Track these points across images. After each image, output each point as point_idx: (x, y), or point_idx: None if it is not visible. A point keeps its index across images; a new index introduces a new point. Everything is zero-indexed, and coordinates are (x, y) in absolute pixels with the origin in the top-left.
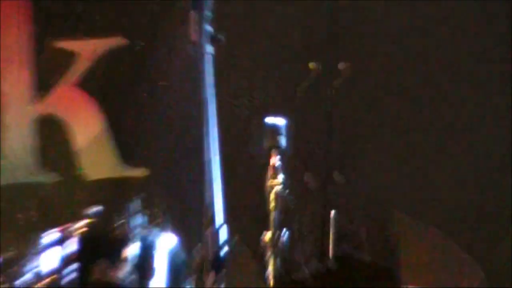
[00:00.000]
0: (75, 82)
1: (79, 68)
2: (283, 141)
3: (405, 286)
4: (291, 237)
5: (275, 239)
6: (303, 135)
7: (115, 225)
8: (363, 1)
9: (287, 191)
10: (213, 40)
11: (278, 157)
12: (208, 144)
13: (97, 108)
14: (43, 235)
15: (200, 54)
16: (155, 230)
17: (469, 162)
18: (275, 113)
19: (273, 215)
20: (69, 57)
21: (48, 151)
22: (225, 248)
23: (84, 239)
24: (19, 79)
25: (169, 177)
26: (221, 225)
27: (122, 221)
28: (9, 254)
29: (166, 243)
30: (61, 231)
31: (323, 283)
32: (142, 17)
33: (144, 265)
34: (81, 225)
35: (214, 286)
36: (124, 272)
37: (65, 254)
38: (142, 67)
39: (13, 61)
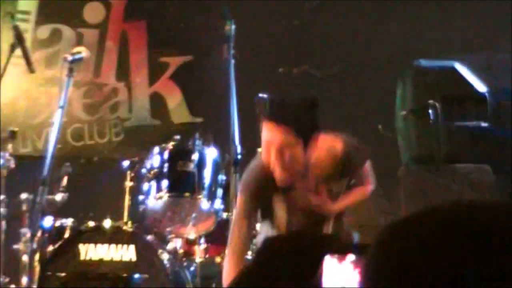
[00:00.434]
0: (168, 76)
1: (171, 71)
2: None
3: None
4: None
5: None
6: None
7: (188, 144)
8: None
9: None
10: (234, 58)
11: None
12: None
13: (179, 89)
14: (154, 148)
15: (229, 65)
16: (207, 149)
17: None
18: None
19: None
20: (166, 65)
21: (155, 111)
22: None
23: (174, 151)
24: (142, 75)
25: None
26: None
27: (190, 142)
28: (134, 159)
29: (212, 155)
30: (160, 147)
31: None
32: (199, 37)
33: (200, 162)
34: (171, 144)
35: None
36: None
37: (163, 158)
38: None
39: (141, 67)
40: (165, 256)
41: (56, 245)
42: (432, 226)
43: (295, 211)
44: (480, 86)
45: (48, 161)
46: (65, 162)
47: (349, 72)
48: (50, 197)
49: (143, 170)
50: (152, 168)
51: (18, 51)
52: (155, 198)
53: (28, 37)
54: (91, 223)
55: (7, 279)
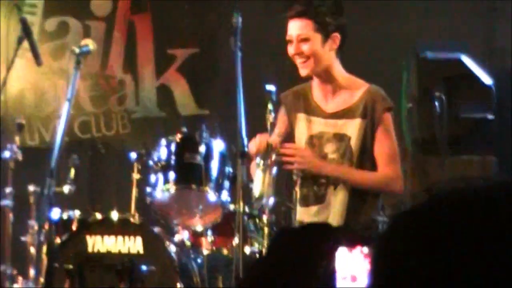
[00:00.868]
0: (175, 68)
1: (178, 63)
2: None
3: None
4: None
5: None
6: None
7: (195, 136)
8: None
9: None
10: (241, 50)
11: None
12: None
13: (186, 81)
14: (161, 140)
15: (236, 58)
16: (214, 141)
17: None
18: None
19: None
20: (173, 57)
21: (162, 103)
22: None
23: (181, 143)
24: (149, 67)
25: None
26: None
27: (197, 134)
28: (142, 151)
29: (219, 147)
30: (167, 139)
31: None
32: (206, 30)
33: (207, 154)
34: (178, 136)
35: None
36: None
37: (170, 151)
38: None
39: (148, 59)
40: (172, 248)
41: (64, 237)
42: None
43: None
44: (486, 78)
45: (55, 153)
46: (72, 154)
47: (352, 63)
48: (57, 189)
49: (150, 162)
50: (159, 160)
51: (25, 44)
52: (162, 190)
53: (35, 30)
54: (98, 215)
55: (14, 271)
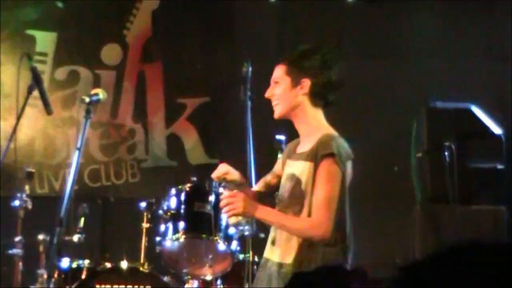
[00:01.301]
0: (185, 117)
1: (188, 112)
2: None
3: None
4: None
5: None
6: None
7: (205, 185)
8: None
9: None
10: (250, 99)
11: None
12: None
13: (196, 130)
14: (171, 190)
15: (246, 107)
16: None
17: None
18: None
19: None
20: (183, 106)
21: (172, 152)
22: None
23: (190, 192)
24: (159, 116)
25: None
26: None
27: (207, 183)
28: (151, 200)
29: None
30: (177, 188)
31: None
32: (216, 79)
33: (217, 203)
34: (188, 185)
35: None
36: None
37: (180, 200)
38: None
39: (158, 108)
40: None
41: (73, 286)
42: (446, 270)
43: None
44: (496, 128)
45: (65, 202)
46: (82, 203)
47: (364, 112)
48: (67, 238)
49: (160, 211)
50: (168, 209)
51: (35, 92)
52: (172, 239)
53: (45, 78)
54: (108, 264)
55: None
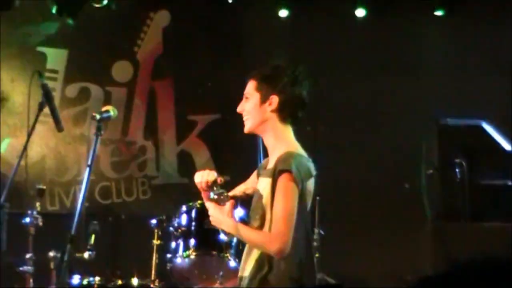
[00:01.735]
0: (196, 134)
1: (199, 129)
2: None
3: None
4: None
5: None
6: None
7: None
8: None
9: None
10: None
11: None
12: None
13: (207, 147)
14: (181, 207)
15: None
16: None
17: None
18: None
19: None
20: (194, 123)
21: (183, 169)
22: None
23: (201, 209)
24: (170, 133)
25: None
26: None
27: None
28: (162, 217)
29: (239, 213)
30: (188, 205)
31: None
32: (227, 96)
33: None
34: (199, 202)
35: None
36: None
37: (190, 217)
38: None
39: (168, 125)
40: None
41: None
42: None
43: None
44: (506, 145)
45: (75, 219)
46: (93, 220)
47: (375, 129)
48: (77, 255)
49: (171, 228)
50: (179, 226)
51: (46, 110)
52: (183, 256)
53: (56, 96)
54: (119, 281)
55: None
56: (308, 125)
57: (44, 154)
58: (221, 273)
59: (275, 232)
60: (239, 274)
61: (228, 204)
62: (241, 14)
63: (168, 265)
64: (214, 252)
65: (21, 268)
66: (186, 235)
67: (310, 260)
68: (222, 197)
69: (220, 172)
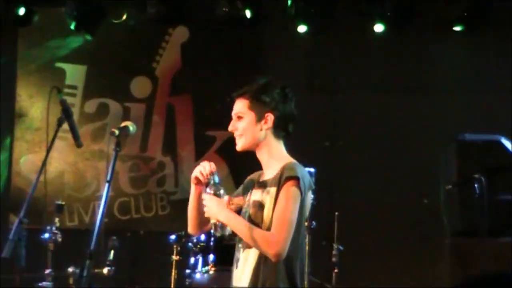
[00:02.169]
0: (215, 150)
1: (217, 144)
2: None
3: None
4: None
5: None
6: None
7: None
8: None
9: None
10: None
11: None
12: None
13: (226, 163)
14: None
15: None
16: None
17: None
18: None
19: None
20: (212, 139)
21: None
22: None
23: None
24: (188, 148)
25: None
26: None
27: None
28: (181, 233)
29: None
30: None
31: None
32: None
33: None
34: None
35: None
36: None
37: (209, 233)
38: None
39: (187, 141)
40: None
41: None
42: None
43: None
44: None
45: (94, 234)
46: (112, 235)
47: (393, 145)
48: (97, 270)
49: (190, 244)
50: (198, 242)
51: (65, 125)
52: (202, 271)
53: (75, 111)
54: None
55: None
56: (327, 140)
57: (63, 170)
58: None
59: (276, 234)
60: (234, 285)
61: (226, 198)
62: (259, 30)
63: (187, 281)
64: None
65: (40, 284)
66: (205, 251)
67: (302, 273)
68: (218, 192)
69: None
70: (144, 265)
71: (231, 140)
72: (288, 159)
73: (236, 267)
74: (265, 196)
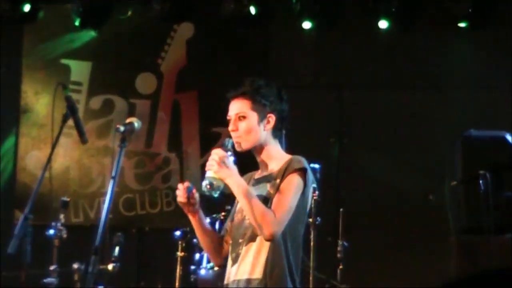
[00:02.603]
0: (218, 146)
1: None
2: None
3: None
4: None
5: None
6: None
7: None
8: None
9: None
10: (285, 128)
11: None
12: None
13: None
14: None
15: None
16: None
17: None
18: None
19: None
20: (218, 135)
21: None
22: None
23: (223, 222)
24: (194, 145)
25: None
26: None
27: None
28: (186, 229)
29: None
30: (212, 217)
31: None
32: None
33: None
34: (223, 214)
35: None
36: None
37: (215, 228)
38: None
39: (193, 137)
40: None
41: None
42: None
43: None
44: None
45: (100, 230)
46: (117, 232)
47: (399, 142)
48: (102, 266)
49: (195, 240)
50: None
51: (70, 122)
52: (207, 267)
53: (80, 108)
54: None
55: None
56: (332, 137)
57: (68, 166)
58: None
59: (277, 216)
60: (246, 276)
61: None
62: (265, 26)
63: (192, 277)
64: None
65: (45, 280)
66: None
67: (298, 265)
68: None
69: None
70: (149, 261)
71: None
72: (288, 156)
73: (235, 262)
74: (268, 189)
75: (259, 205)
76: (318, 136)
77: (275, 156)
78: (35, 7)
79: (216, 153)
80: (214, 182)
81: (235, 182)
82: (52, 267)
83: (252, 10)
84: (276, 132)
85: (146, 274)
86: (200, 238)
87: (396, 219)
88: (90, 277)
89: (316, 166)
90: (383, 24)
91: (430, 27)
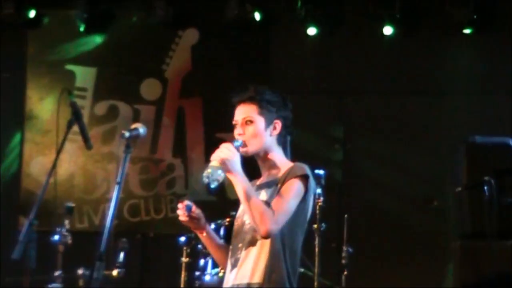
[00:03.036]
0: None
1: None
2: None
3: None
4: None
5: None
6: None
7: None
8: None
9: None
10: (290, 133)
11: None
12: None
13: None
14: (210, 224)
15: (285, 142)
16: None
17: None
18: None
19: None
20: (223, 140)
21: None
22: None
23: (230, 227)
24: (198, 151)
25: None
26: None
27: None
28: (191, 235)
29: None
30: (216, 223)
31: None
32: None
33: None
34: (227, 220)
35: None
36: None
37: (219, 235)
38: None
39: (197, 143)
40: None
41: None
42: None
43: None
44: None
45: (104, 236)
46: (122, 237)
47: (402, 148)
48: (106, 272)
49: (199, 246)
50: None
51: (75, 128)
52: (211, 273)
53: (85, 114)
54: None
55: None
56: (336, 143)
57: (73, 172)
58: None
59: (275, 215)
60: (245, 281)
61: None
62: (269, 32)
63: (197, 283)
64: None
65: (50, 286)
66: None
67: (296, 270)
68: None
69: None
70: (154, 267)
71: None
72: (291, 163)
73: (234, 267)
74: (269, 194)
75: (259, 202)
76: (322, 142)
77: (278, 163)
78: (40, 13)
79: (225, 146)
80: (216, 172)
81: (238, 176)
82: (56, 273)
83: (257, 16)
84: (280, 138)
85: (150, 280)
86: (214, 254)
87: (400, 225)
88: (95, 282)
89: (321, 172)
90: (387, 30)
91: (433, 33)
